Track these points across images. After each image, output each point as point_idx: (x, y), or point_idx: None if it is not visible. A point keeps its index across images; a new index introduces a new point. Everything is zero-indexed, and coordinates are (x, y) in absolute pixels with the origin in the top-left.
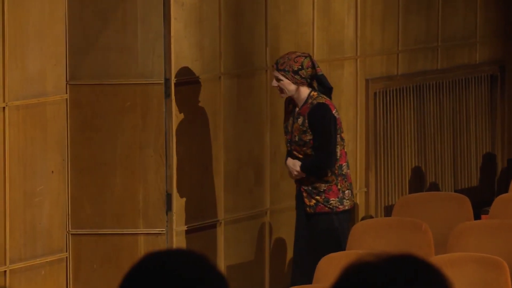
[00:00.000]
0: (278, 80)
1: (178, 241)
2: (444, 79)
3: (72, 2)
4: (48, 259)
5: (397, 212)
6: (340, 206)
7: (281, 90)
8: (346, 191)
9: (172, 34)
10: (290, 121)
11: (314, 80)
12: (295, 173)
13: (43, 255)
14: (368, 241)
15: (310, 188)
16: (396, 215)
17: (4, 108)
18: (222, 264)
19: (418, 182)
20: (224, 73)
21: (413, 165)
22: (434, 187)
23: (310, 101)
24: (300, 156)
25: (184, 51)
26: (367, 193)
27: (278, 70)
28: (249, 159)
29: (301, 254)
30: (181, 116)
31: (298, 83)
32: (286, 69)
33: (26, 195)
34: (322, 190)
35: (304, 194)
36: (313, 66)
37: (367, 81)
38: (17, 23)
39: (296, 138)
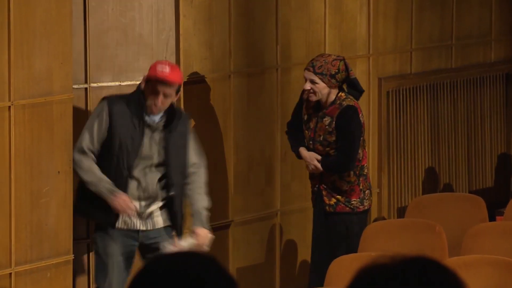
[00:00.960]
0: (314, 83)
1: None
2: (459, 78)
3: None
4: (54, 261)
5: (410, 214)
6: (361, 207)
7: (314, 93)
8: (367, 191)
9: (181, 32)
10: (313, 119)
11: (344, 83)
12: (313, 167)
13: (49, 257)
14: (380, 243)
15: (330, 187)
16: (409, 217)
17: (9, 107)
18: (231, 266)
19: (432, 182)
20: (234, 72)
21: (427, 166)
22: (448, 188)
23: (338, 102)
24: (321, 154)
25: (193, 49)
26: (379, 194)
27: (315, 73)
28: (259, 159)
29: (319, 254)
30: (190, 115)
31: (332, 87)
32: (324, 73)
33: (32, 196)
34: (344, 190)
35: (324, 193)
36: (347, 69)
37: (379, 80)
38: (23, 21)
39: (321, 138)
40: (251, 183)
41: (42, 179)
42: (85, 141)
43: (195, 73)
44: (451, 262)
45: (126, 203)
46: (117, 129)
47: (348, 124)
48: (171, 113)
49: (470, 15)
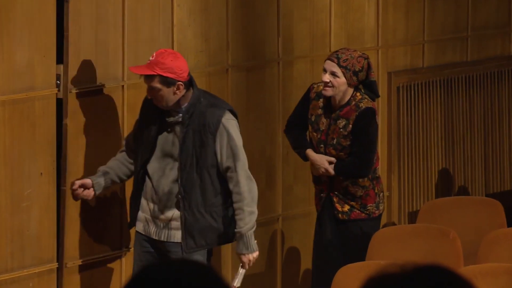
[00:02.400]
0: (335, 76)
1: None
2: (475, 72)
3: None
4: (37, 270)
5: (423, 219)
6: (377, 211)
7: (331, 88)
8: (381, 194)
9: (174, 22)
10: (324, 121)
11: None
12: (323, 170)
13: (32, 265)
14: (390, 250)
15: (343, 193)
16: (421, 222)
17: None
18: (230, 275)
19: (446, 185)
20: (232, 66)
21: (440, 167)
22: (463, 191)
23: (353, 103)
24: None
25: (188, 41)
26: (389, 198)
27: (339, 65)
28: (259, 160)
29: (333, 264)
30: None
31: (351, 85)
32: (349, 67)
33: (13, 200)
34: (358, 196)
35: (335, 199)
36: (369, 69)
37: (389, 74)
38: (2, 10)
39: (334, 141)
40: None
41: (24, 181)
42: (126, 137)
43: (190, 67)
44: (466, 271)
45: (73, 187)
46: (140, 123)
47: (367, 128)
48: (190, 106)
49: (486, 4)
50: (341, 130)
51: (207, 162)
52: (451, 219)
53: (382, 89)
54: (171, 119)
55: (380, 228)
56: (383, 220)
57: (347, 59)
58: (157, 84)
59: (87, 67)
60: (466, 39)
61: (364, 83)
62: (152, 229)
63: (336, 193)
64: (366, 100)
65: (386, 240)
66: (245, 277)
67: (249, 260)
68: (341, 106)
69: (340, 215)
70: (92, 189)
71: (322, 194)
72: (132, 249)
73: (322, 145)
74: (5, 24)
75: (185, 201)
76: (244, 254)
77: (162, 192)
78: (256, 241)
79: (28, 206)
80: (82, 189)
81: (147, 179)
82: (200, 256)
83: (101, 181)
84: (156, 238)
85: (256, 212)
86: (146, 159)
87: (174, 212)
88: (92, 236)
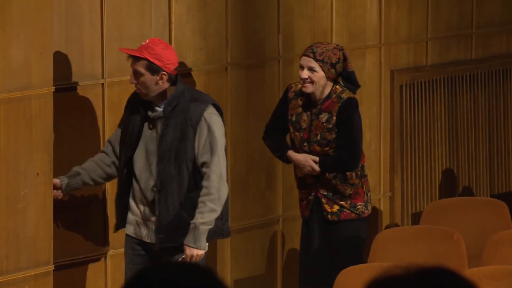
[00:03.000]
0: (312, 71)
1: None
2: (479, 70)
3: None
4: (33, 272)
5: (426, 220)
6: (366, 211)
7: (311, 83)
8: (369, 193)
9: (172, 19)
10: (305, 117)
11: (339, 77)
12: (309, 168)
13: (28, 268)
14: (393, 252)
15: (331, 193)
16: (425, 223)
17: None
18: (229, 278)
19: (450, 185)
20: (231, 64)
21: (444, 167)
22: (468, 191)
23: (334, 96)
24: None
25: (186, 38)
26: (392, 198)
27: (316, 59)
28: (259, 160)
29: (322, 268)
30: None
31: (329, 78)
32: (325, 60)
33: (8, 201)
34: (347, 195)
35: (323, 200)
36: (345, 60)
37: (392, 72)
38: None
39: (318, 137)
40: (250, 187)
41: (20, 182)
42: (110, 137)
43: (188, 65)
44: (471, 273)
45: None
46: (124, 120)
47: (351, 118)
48: (172, 99)
49: (491, 0)
50: (324, 124)
51: (186, 156)
52: (455, 220)
53: (384, 87)
54: (154, 114)
55: (383, 229)
56: (386, 221)
57: (322, 52)
58: (141, 68)
59: (56, 65)
60: (471, 36)
61: (341, 75)
62: (144, 232)
63: (324, 193)
64: (347, 91)
65: (389, 241)
66: (246, 279)
67: (192, 255)
68: (322, 101)
69: (329, 216)
70: (60, 190)
71: (310, 197)
72: (118, 251)
73: (305, 144)
74: (1, 22)
75: (161, 195)
76: (190, 247)
77: (150, 194)
78: (207, 243)
79: (24, 207)
80: None
81: (133, 180)
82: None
83: (71, 181)
84: (149, 241)
85: (218, 212)
86: (129, 157)
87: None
88: (75, 237)
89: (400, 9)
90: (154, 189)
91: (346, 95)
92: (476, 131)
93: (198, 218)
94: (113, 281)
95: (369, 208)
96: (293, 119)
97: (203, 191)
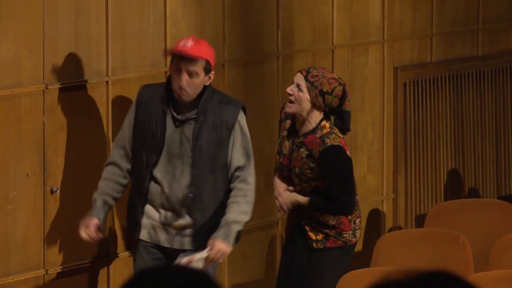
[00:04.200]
0: (299, 89)
1: None
2: (486, 67)
3: None
4: (23, 277)
5: (431, 222)
6: (353, 239)
7: (294, 102)
8: (357, 220)
9: (167, 14)
10: (287, 144)
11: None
12: (285, 208)
13: (17, 272)
14: (396, 256)
15: (315, 223)
16: (429, 226)
17: None
18: (226, 283)
19: (455, 187)
20: (229, 60)
21: (449, 168)
22: (474, 193)
23: (319, 133)
24: (298, 188)
25: (182, 34)
26: (395, 200)
27: (306, 79)
28: (258, 160)
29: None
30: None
31: (315, 106)
32: (315, 85)
33: None
34: (331, 225)
35: (307, 228)
36: (343, 97)
37: (395, 69)
38: None
39: (297, 170)
40: None
41: (9, 183)
42: (117, 141)
43: None
44: (477, 278)
45: (87, 231)
46: (140, 121)
47: (336, 169)
48: (204, 101)
49: None
50: (305, 159)
51: (221, 161)
52: (461, 223)
53: (387, 85)
54: (183, 116)
55: (385, 232)
56: (389, 223)
57: (317, 75)
58: (199, 69)
59: (65, 62)
60: (477, 32)
61: (336, 111)
62: (162, 236)
63: (307, 221)
64: (333, 136)
65: (392, 245)
66: (243, 284)
67: (220, 250)
68: (306, 133)
69: (314, 244)
70: (99, 229)
71: (292, 223)
72: (121, 255)
73: (285, 170)
74: None
75: (197, 202)
76: (219, 241)
77: (176, 199)
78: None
79: (13, 209)
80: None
81: (152, 183)
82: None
83: (104, 214)
84: (168, 245)
85: (250, 216)
86: (154, 162)
87: (188, 219)
88: (75, 241)
89: (404, 3)
90: (190, 195)
91: (331, 141)
92: (482, 131)
93: (231, 217)
94: (115, 286)
95: (358, 235)
96: (279, 141)
97: (239, 192)
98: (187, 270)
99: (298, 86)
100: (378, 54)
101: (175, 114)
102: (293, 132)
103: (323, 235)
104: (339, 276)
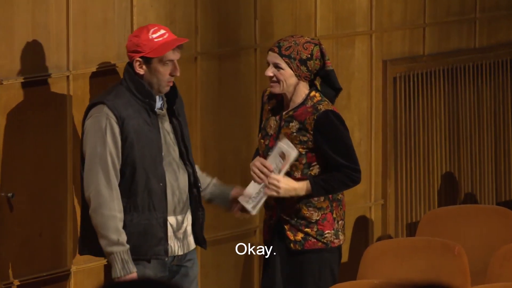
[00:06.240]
0: (278, 68)
1: None
2: (484, 60)
3: None
4: None
5: (423, 231)
6: (336, 241)
7: (277, 82)
8: (340, 221)
9: (134, 2)
10: (272, 123)
11: (317, 77)
12: (276, 193)
13: None
14: (385, 267)
15: (295, 219)
16: (422, 235)
17: None
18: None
19: (450, 192)
20: (202, 53)
21: (444, 171)
22: (471, 198)
23: (309, 104)
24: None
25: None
26: (384, 207)
27: (281, 55)
28: (233, 162)
29: None
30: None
31: (301, 77)
32: (292, 56)
33: None
34: (314, 221)
35: (286, 227)
36: (323, 57)
37: (384, 62)
38: None
39: None
40: None
41: None
42: (106, 171)
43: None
44: None
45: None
46: (131, 135)
47: (335, 130)
48: (172, 92)
49: None
50: (295, 134)
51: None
52: (457, 232)
53: (376, 80)
54: (160, 110)
55: (374, 242)
56: (378, 232)
57: (290, 46)
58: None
59: (22, 55)
60: (474, 22)
61: (321, 75)
62: (175, 245)
63: (287, 218)
64: (326, 102)
65: (381, 255)
66: None
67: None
68: (296, 106)
69: (292, 245)
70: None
71: (270, 221)
72: (81, 267)
73: (270, 153)
74: None
75: (199, 196)
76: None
77: (182, 200)
78: None
79: None
80: None
81: (167, 192)
82: None
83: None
84: (182, 253)
85: None
86: (162, 171)
87: (189, 217)
88: (33, 252)
89: None
90: (194, 190)
91: (324, 107)
92: (480, 130)
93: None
94: None
95: (341, 237)
96: (262, 126)
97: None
98: (160, 283)
99: (276, 65)
100: (365, 46)
101: (158, 111)
102: (277, 109)
103: (302, 235)
104: (326, 281)
